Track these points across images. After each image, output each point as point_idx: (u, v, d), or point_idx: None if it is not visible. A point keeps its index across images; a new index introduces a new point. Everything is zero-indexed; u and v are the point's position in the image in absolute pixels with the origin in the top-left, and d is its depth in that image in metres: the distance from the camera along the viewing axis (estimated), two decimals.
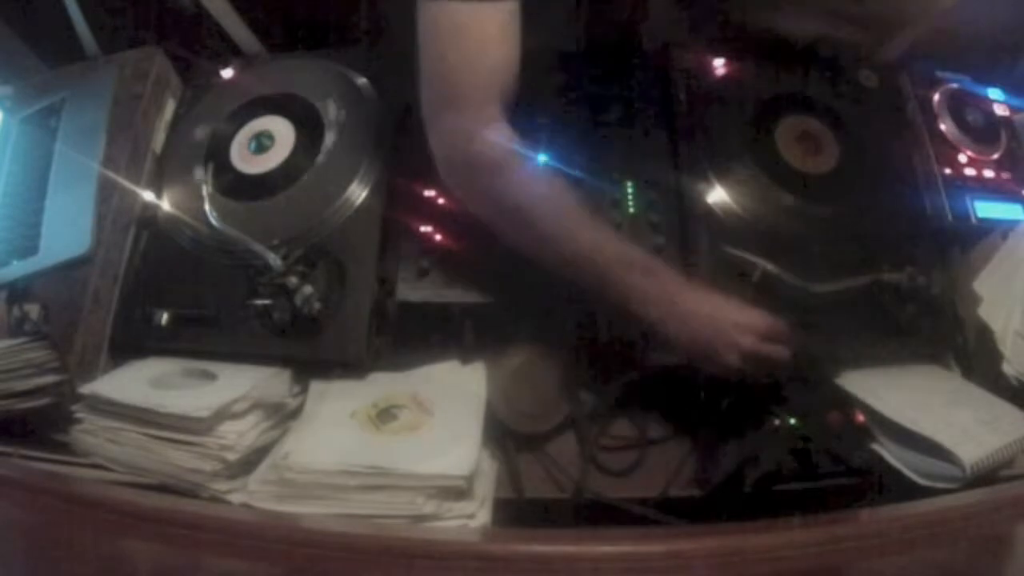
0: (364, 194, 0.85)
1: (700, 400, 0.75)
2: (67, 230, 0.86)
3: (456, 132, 0.70)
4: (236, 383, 0.73)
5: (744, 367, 0.69)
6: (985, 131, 0.94)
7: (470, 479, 0.66)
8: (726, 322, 0.69)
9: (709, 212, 0.83)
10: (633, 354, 0.78)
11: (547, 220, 0.70)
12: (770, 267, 0.77)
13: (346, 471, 0.66)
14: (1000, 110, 0.98)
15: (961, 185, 0.89)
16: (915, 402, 0.73)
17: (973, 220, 0.87)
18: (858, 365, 0.79)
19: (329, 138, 0.89)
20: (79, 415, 0.72)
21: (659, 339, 0.71)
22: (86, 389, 0.73)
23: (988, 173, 0.92)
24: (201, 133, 0.93)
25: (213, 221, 0.83)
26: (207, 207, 0.84)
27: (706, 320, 0.69)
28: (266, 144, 0.90)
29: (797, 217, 0.84)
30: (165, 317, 0.81)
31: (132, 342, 0.82)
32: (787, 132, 0.89)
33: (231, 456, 0.68)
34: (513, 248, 0.72)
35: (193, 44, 1.03)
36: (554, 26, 0.92)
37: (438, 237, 0.83)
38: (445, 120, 0.71)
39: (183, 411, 0.68)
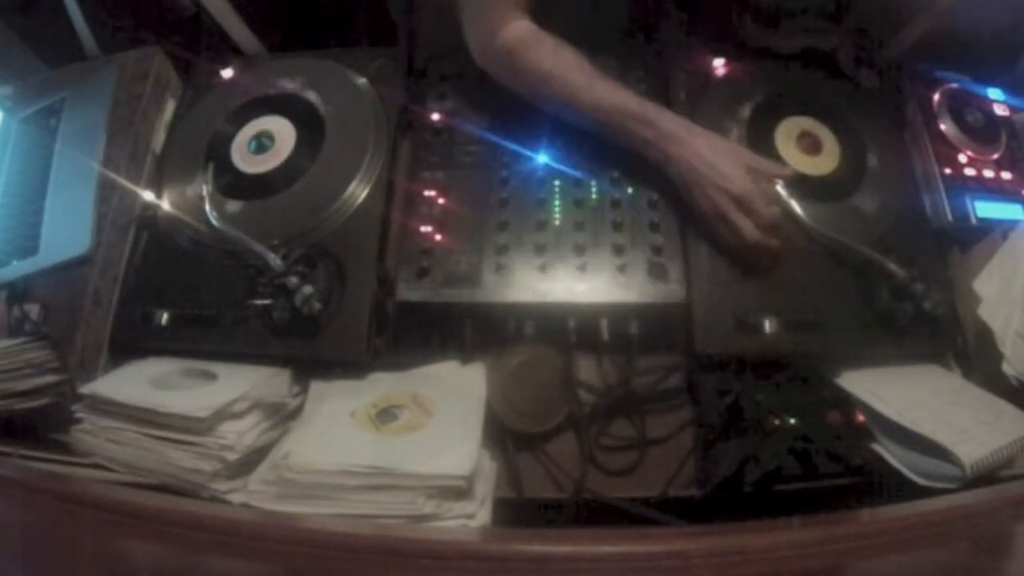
0: (364, 194, 0.85)
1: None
2: (67, 230, 0.86)
3: (485, 28, 0.86)
4: (236, 383, 0.73)
5: (719, 217, 0.78)
6: (985, 131, 0.94)
7: (470, 479, 0.66)
8: (714, 168, 0.78)
9: None
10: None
11: (564, 83, 0.83)
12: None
13: (346, 471, 0.66)
14: (1000, 110, 0.97)
15: (961, 185, 0.89)
16: (915, 402, 0.73)
17: (973, 220, 0.87)
18: (858, 365, 0.79)
19: (329, 138, 0.89)
20: (79, 415, 0.72)
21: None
22: (86, 389, 0.73)
23: (988, 173, 0.91)
24: (201, 134, 0.93)
25: (213, 221, 0.83)
26: (207, 207, 0.84)
27: (698, 164, 0.79)
28: (266, 144, 0.90)
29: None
30: (165, 317, 0.81)
31: (132, 342, 0.82)
32: (787, 132, 0.89)
33: (231, 456, 0.68)
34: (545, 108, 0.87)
35: (193, 44, 1.03)
36: (555, 26, 0.92)
37: (438, 237, 0.83)
38: (477, 19, 0.87)
39: (183, 411, 0.68)
